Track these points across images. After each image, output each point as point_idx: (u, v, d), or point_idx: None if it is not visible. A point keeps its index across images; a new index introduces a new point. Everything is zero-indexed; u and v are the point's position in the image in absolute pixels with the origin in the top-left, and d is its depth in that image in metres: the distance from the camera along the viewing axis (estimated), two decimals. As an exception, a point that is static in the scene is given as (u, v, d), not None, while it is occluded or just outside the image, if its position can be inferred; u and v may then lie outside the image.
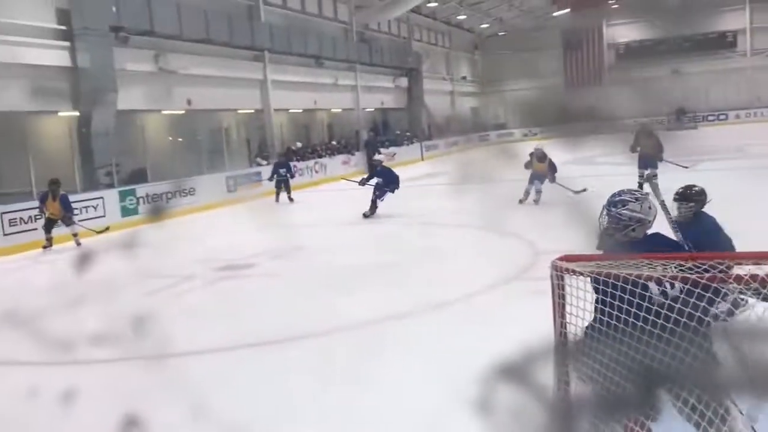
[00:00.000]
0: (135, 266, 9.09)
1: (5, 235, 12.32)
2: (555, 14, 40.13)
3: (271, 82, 22.86)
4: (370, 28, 31.06)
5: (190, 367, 5.57)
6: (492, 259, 8.82)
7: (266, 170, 20.58)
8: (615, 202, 3.38)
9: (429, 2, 33.17)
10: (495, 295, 7.08)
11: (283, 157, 18.76)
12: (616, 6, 40.85)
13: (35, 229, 12.80)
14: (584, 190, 12.48)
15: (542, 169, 13.55)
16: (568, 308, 2.94)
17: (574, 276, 2.90)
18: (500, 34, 43.85)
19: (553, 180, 13.48)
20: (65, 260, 10.84)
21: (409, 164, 28.52)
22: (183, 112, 19.59)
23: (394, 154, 28.75)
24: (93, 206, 14.26)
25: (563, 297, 2.97)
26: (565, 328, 2.98)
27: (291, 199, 17.64)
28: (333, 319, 6.41)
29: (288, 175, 17.90)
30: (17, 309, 8.01)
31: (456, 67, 41.73)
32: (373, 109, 31.42)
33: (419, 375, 4.98)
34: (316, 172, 23.00)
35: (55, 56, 15.17)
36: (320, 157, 23.84)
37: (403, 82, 33.00)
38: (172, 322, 6.60)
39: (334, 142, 26.42)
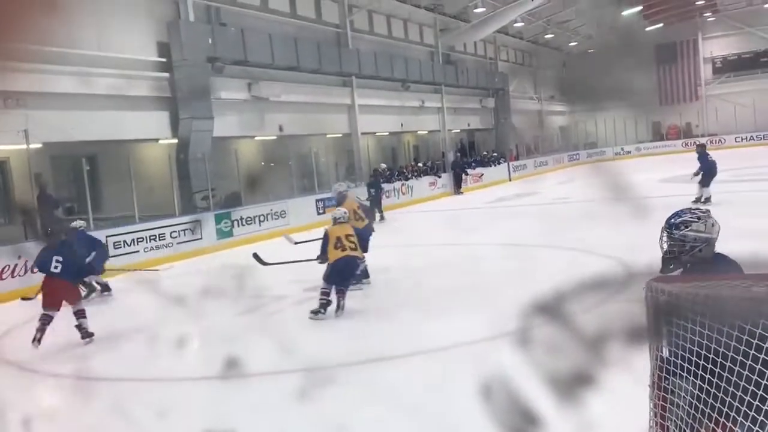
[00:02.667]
0: (229, 287, 9.40)
1: (110, 257, 12.98)
2: (647, 29, 39.01)
3: (359, 106, 23.28)
4: (455, 50, 31.15)
5: (268, 388, 5.66)
6: (584, 281, 8.59)
7: (353, 192, 20.91)
8: (677, 224, 3.21)
9: (515, 23, 32.96)
10: (582, 318, 6.86)
11: (372, 178, 19.05)
12: (712, 18, 39.33)
13: (137, 251, 13.47)
14: None
15: None
16: (663, 331, 2.83)
17: (671, 298, 2.79)
18: (589, 51, 42.99)
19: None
20: (164, 282, 11.31)
21: (497, 185, 28.29)
22: (275, 137, 20.22)
23: (482, 174, 28.60)
24: (191, 229, 14.86)
25: (659, 320, 2.86)
26: (661, 351, 2.87)
27: (382, 218, 17.80)
28: (415, 342, 6.39)
29: (381, 193, 18.22)
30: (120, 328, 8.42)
31: (544, 87, 41.18)
32: (459, 131, 31.40)
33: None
34: (403, 194, 23.13)
35: (156, 87, 16.02)
36: (407, 179, 23.98)
37: (490, 102, 32.84)
38: (258, 342, 6.77)
39: (420, 164, 26.53)
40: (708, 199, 14.29)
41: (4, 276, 11.11)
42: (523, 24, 34.42)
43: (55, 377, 6.39)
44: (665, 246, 3.22)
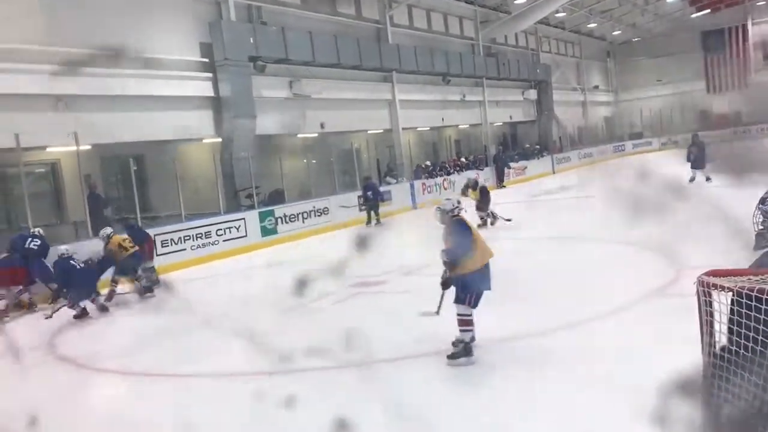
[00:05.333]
0: (273, 285, 9.52)
1: (158, 255, 13.26)
2: (693, 16, 38.05)
3: (399, 101, 23.25)
4: (496, 42, 30.86)
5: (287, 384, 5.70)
6: (632, 274, 8.43)
7: (395, 188, 20.93)
8: None
9: (557, 13, 32.47)
10: (636, 313, 6.75)
11: (370, 180, 18.75)
12: (762, 2, 38.12)
13: (184, 249, 13.73)
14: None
15: None
16: (716, 326, 2.76)
17: (723, 292, 2.72)
18: (634, 40, 42.14)
19: None
20: (215, 280, 11.49)
21: (541, 177, 27.96)
22: (316, 135, 20.35)
23: (525, 167, 28.30)
24: (235, 227, 15.07)
25: (711, 314, 2.79)
26: (714, 347, 2.81)
27: (378, 222, 17.52)
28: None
29: (378, 198, 17.88)
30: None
31: (587, 77, 40.52)
32: (501, 123, 31.12)
33: (562, 393, 4.85)
34: (445, 188, 23.02)
35: (200, 87, 16.27)
36: (448, 174, 23.87)
37: (532, 94, 32.45)
38: (300, 337, 6.83)
39: (462, 159, 26.37)
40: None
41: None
42: (565, 14, 33.89)
43: (109, 373, 6.53)
44: (759, 223, 3.19)
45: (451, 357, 5.68)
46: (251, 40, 17.19)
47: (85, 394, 5.81)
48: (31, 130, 12.02)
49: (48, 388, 6.12)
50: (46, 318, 9.50)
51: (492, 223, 14.54)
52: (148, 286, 10.81)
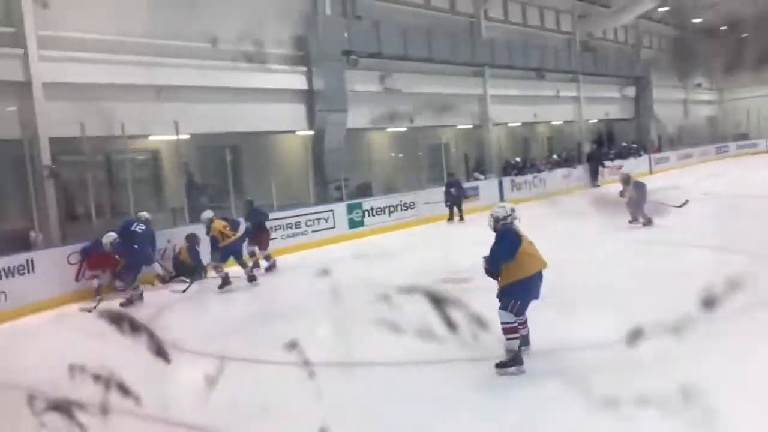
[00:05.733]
0: (360, 276, 9.56)
1: (249, 245, 13.62)
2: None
3: (491, 96, 22.95)
4: (594, 36, 29.97)
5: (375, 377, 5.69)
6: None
7: (483, 185, 20.70)
8: None
9: (660, 7, 31.17)
10: (738, 323, 6.38)
11: (453, 176, 18.52)
12: None
13: (275, 238, 14.05)
14: None
15: None
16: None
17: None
18: (742, 36, 39.89)
19: None
20: (299, 270, 11.70)
21: (637, 177, 26.94)
22: (405, 129, 20.37)
23: (621, 167, 27.33)
24: (324, 218, 15.31)
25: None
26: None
27: (461, 218, 17.45)
28: (554, 337, 6.19)
29: (461, 194, 17.71)
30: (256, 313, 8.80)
31: (690, 74, 38.69)
32: (596, 120, 30.22)
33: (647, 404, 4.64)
34: (535, 186, 22.58)
35: (294, 80, 16.60)
36: (539, 171, 23.38)
37: (631, 91, 31.36)
38: (381, 331, 6.82)
39: (554, 156, 25.76)
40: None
41: (154, 259, 11.91)
42: (668, 8, 32.47)
43: (205, 356, 6.75)
44: None
45: (500, 366, 5.54)
46: (345, 35, 17.39)
47: (182, 375, 6.02)
48: (135, 119, 12.62)
49: (143, 366, 6.35)
50: (92, 309, 9.84)
51: (645, 224, 13.28)
52: (252, 275, 11.04)
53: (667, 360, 5.41)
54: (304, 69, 16.79)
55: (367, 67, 18.40)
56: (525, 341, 5.82)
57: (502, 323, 5.49)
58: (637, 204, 13.52)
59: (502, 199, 20.99)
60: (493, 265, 5.65)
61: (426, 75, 20.18)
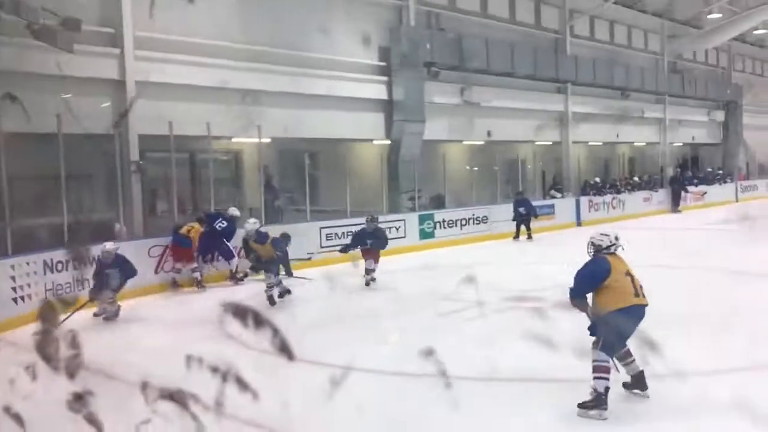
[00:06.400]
0: (431, 288, 9.58)
1: (322, 247, 13.84)
2: None
3: (572, 114, 22.56)
4: (684, 58, 29.06)
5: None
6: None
7: (560, 203, 20.35)
8: None
9: (755, 30, 29.92)
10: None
11: (522, 194, 18.16)
12: None
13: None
14: None
15: None
16: None
17: None
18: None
19: None
20: (378, 273, 11.78)
21: (721, 206, 25.94)
22: (482, 142, 20.25)
23: (704, 193, 26.38)
24: (396, 227, 15.37)
25: None
26: None
27: (530, 237, 17.18)
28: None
29: (531, 213, 17.32)
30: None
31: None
32: (681, 144, 29.24)
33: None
34: (614, 208, 22.03)
35: (375, 90, 16.77)
36: (619, 192, 22.80)
37: (719, 115, 30.21)
38: (447, 344, 6.80)
39: (635, 178, 25.06)
40: None
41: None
42: (765, 31, 31.15)
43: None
44: None
45: (582, 406, 5.05)
46: (428, 46, 17.44)
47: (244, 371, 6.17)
48: (220, 120, 13.03)
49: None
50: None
51: None
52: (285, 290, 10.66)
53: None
54: (385, 79, 16.95)
55: (448, 79, 18.41)
56: (638, 383, 5.32)
57: (593, 360, 5.10)
58: None
59: (578, 219, 20.58)
60: (575, 294, 5.27)
61: (506, 89, 20.03)
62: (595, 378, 5.02)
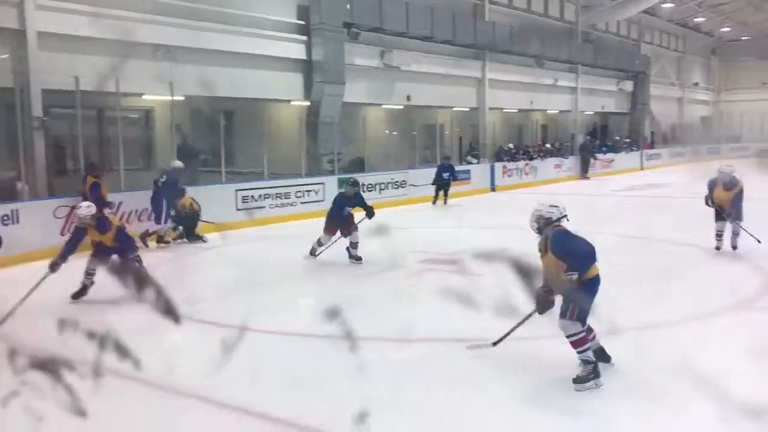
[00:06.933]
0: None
1: (237, 210, 13.60)
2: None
3: (489, 80, 22.87)
4: (597, 28, 29.87)
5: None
6: (718, 284, 8.07)
7: (475, 169, 20.72)
8: None
9: (664, 3, 31.05)
10: (720, 323, 6.47)
11: (449, 160, 18.49)
12: None
13: (263, 207, 14.02)
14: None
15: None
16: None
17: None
18: (743, 38, 39.93)
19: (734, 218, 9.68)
20: (295, 237, 11.68)
21: (627, 173, 27.08)
22: (401, 107, 20.28)
23: (612, 160, 27.47)
24: (314, 191, 15.26)
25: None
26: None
27: (445, 202, 17.51)
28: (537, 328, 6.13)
29: (451, 178, 17.72)
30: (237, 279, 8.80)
31: (688, 73, 38.77)
32: (592, 113, 30.23)
33: (640, 401, 4.70)
34: (526, 174, 22.62)
35: (293, 49, 16.42)
36: (531, 159, 23.41)
37: (628, 85, 31.34)
38: (365, 305, 6.88)
39: (547, 145, 25.78)
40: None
41: (141, 219, 11.86)
42: (673, 5, 32.38)
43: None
44: None
45: (578, 380, 4.82)
46: (348, 6, 17.18)
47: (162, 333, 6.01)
48: (130, 76, 12.45)
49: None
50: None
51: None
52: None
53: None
54: (305, 38, 16.61)
55: (368, 42, 18.25)
56: (602, 355, 5.10)
57: (568, 336, 4.87)
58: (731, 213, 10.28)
59: (492, 184, 21.03)
60: (583, 272, 4.82)
61: (426, 54, 20.08)
62: (580, 351, 4.88)
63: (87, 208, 7.50)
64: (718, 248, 9.88)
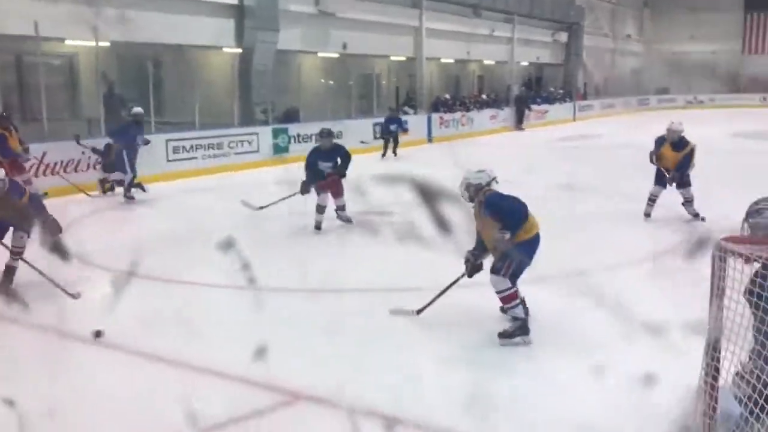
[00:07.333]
0: (286, 203, 9.45)
1: (168, 161, 13.25)
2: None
3: (426, 30, 22.66)
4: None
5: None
6: (644, 233, 8.35)
7: (412, 120, 20.67)
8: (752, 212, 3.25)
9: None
10: (640, 272, 6.70)
11: (394, 112, 18.41)
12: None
13: (195, 158, 13.69)
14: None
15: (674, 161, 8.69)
16: (728, 292, 2.70)
17: (740, 260, 2.65)
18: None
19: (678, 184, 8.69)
20: (228, 189, 11.47)
21: (560, 124, 27.55)
22: (337, 55, 19.94)
23: (546, 111, 27.86)
24: (248, 141, 14.98)
25: (723, 279, 2.72)
26: (722, 311, 2.75)
27: (395, 155, 17.26)
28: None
29: (399, 130, 17.57)
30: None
31: (621, 25, 39.32)
32: (527, 64, 30.45)
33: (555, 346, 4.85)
34: (463, 125, 22.74)
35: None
36: (468, 110, 23.50)
37: (563, 36, 31.62)
38: (297, 257, 6.87)
39: (483, 96, 25.92)
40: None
41: (67, 170, 11.42)
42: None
43: (108, 271, 6.57)
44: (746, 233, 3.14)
45: (505, 335, 4.85)
46: (282, -52, 16.63)
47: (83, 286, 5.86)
48: (50, 19, 11.79)
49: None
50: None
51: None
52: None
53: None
54: (236, -18, 16.03)
55: (302, -14, 17.76)
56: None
57: (498, 292, 4.90)
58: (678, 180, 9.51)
59: (429, 135, 21.06)
60: (518, 227, 4.86)
61: (362, 1, 19.69)
62: (510, 307, 4.93)
63: None
64: (647, 215, 8.89)
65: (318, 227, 8.49)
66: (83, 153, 11.64)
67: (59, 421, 3.54)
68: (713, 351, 2.74)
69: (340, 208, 8.75)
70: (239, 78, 16.17)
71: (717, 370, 2.76)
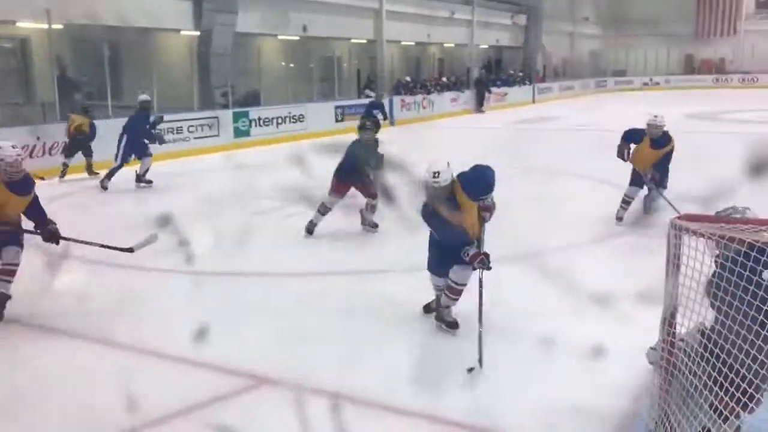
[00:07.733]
0: (245, 187, 9.41)
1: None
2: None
3: (386, 12, 22.57)
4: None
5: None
6: (603, 212, 8.50)
7: (375, 102, 20.59)
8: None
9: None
10: (601, 249, 6.87)
11: (379, 97, 18.28)
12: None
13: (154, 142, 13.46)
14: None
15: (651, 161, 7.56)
16: (683, 269, 2.80)
17: (694, 237, 2.75)
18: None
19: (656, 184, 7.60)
20: (187, 173, 11.32)
21: (520, 106, 27.79)
22: (298, 38, 19.76)
23: (506, 94, 28.06)
24: (208, 125, 14.80)
25: (678, 257, 2.82)
26: (677, 289, 2.85)
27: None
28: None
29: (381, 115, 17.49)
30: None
31: (579, 7, 39.66)
32: (487, 47, 30.58)
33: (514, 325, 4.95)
34: (424, 108, 22.79)
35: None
36: (428, 93, 23.54)
37: (522, 19, 31.80)
38: (260, 244, 6.87)
39: (444, 79, 25.98)
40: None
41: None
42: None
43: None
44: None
45: (439, 319, 4.79)
46: (239, -71, 16.37)
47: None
48: (1, 1, 11.46)
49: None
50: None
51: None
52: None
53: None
54: (192, -38, 15.75)
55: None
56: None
57: (455, 283, 4.62)
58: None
59: (391, 118, 21.01)
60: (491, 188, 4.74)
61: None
62: (453, 300, 4.69)
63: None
64: (620, 218, 7.78)
65: (310, 231, 7.40)
66: (38, 138, 11.37)
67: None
68: (669, 327, 2.85)
69: (372, 208, 7.57)
70: (198, 61, 15.93)
71: (672, 345, 2.87)
